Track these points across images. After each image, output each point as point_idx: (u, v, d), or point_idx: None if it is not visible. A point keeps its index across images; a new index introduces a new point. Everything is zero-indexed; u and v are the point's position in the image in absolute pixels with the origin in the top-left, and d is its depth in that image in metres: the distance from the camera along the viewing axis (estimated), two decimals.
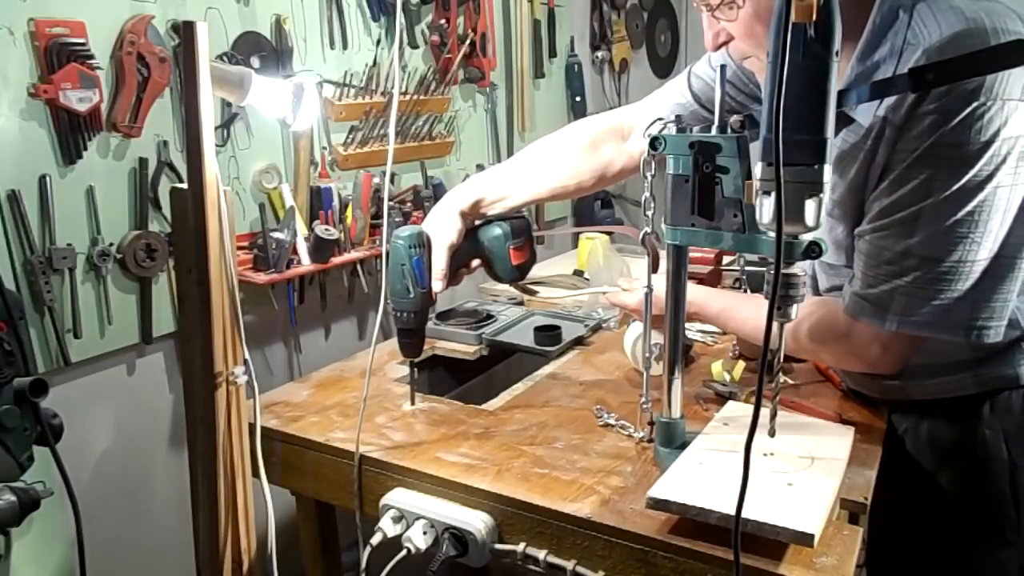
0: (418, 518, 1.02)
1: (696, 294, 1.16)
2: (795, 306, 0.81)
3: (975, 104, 0.82)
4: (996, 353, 1.01)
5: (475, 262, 1.21)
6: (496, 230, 1.20)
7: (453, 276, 1.17)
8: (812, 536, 0.79)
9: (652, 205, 0.99)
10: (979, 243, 0.88)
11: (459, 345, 1.58)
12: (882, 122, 0.89)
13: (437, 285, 1.13)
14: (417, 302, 1.13)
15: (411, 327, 1.15)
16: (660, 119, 0.95)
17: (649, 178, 0.97)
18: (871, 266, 0.94)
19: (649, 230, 0.99)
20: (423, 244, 1.12)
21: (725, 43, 1.00)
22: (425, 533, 1.01)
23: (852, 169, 0.94)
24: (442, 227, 1.16)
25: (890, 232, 0.91)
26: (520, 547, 0.97)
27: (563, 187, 1.26)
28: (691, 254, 1.31)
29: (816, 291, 1.13)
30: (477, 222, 1.22)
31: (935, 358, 1.03)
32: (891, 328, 0.93)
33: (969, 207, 0.86)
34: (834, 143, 0.93)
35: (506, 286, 2.01)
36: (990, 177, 0.85)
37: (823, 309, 1.03)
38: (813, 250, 0.79)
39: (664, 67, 3.28)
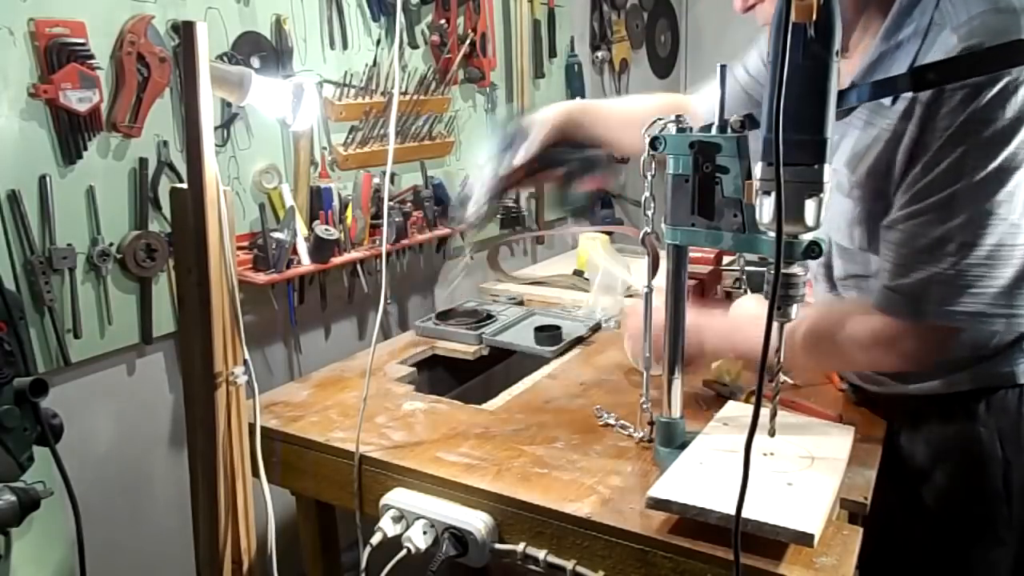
0: (418, 518, 1.02)
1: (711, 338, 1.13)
2: (795, 306, 0.81)
3: (1007, 79, 0.81)
4: (995, 351, 1.01)
5: (551, 175, 1.22)
6: (579, 154, 1.21)
7: (528, 178, 1.20)
8: (812, 536, 0.79)
9: (652, 205, 0.99)
10: (1019, 226, 0.85)
11: (459, 345, 1.59)
12: (911, 101, 0.88)
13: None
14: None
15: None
16: (660, 119, 0.95)
17: (649, 178, 0.97)
18: (903, 255, 0.91)
19: (649, 230, 0.99)
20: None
21: (753, 6, 0.99)
22: (425, 533, 1.01)
23: (876, 150, 0.93)
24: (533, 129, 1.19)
25: (924, 218, 0.89)
26: (520, 547, 0.96)
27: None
28: (691, 254, 1.31)
29: (830, 280, 1.12)
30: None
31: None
32: (928, 320, 0.91)
33: (1008, 187, 0.84)
34: (859, 122, 0.92)
35: (506, 286, 2.01)
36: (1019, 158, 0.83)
37: (823, 315, 1.02)
38: (813, 250, 0.79)
39: (664, 67, 3.28)
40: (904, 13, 0.90)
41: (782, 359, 0.82)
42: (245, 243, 1.55)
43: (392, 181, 1.88)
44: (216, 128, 1.46)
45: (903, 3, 0.90)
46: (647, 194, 0.98)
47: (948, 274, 0.88)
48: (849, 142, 0.97)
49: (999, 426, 1.02)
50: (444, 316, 1.69)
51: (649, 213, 0.99)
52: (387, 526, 1.02)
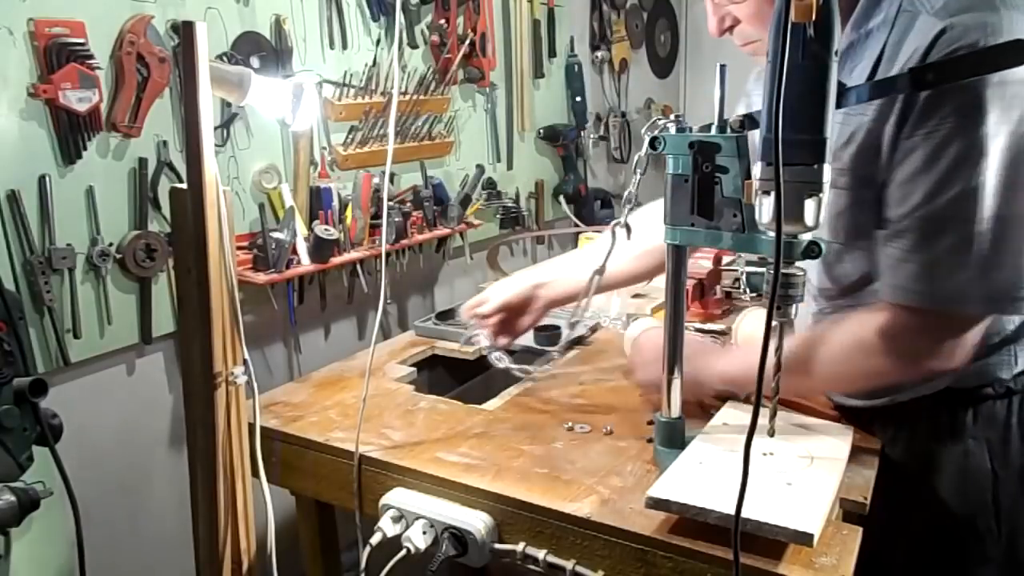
0: (418, 518, 1.02)
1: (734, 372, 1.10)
2: (795, 306, 0.81)
3: (982, 42, 0.81)
4: (983, 353, 0.97)
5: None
6: None
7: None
8: (811, 536, 0.79)
9: (633, 201, 0.98)
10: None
11: (459, 345, 1.58)
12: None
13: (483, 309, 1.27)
14: None
15: None
16: (658, 120, 0.95)
17: (638, 177, 0.97)
18: (917, 241, 0.88)
19: (621, 221, 0.98)
20: None
21: (731, 28, 0.99)
22: (425, 533, 1.01)
23: (862, 133, 0.91)
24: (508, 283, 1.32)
25: (940, 198, 0.86)
26: (520, 547, 0.96)
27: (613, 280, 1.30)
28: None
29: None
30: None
31: None
32: (954, 307, 0.88)
33: (993, 152, 0.83)
34: (838, 115, 0.89)
35: None
36: (1013, 121, 0.82)
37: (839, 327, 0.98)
38: (812, 250, 0.79)
39: (664, 67, 3.28)
40: (872, 3, 0.91)
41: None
42: (245, 243, 1.55)
43: (392, 181, 1.88)
44: (216, 128, 1.46)
45: None
46: (632, 190, 0.98)
47: (964, 256, 0.85)
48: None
49: (988, 438, 1.00)
50: (444, 316, 1.69)
51: (627, 208, 0.98)
52: (387, 526, 1.02)
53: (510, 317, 1.27)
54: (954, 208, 0.86)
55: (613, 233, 0.99)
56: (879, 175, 0.92)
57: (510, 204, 2.28)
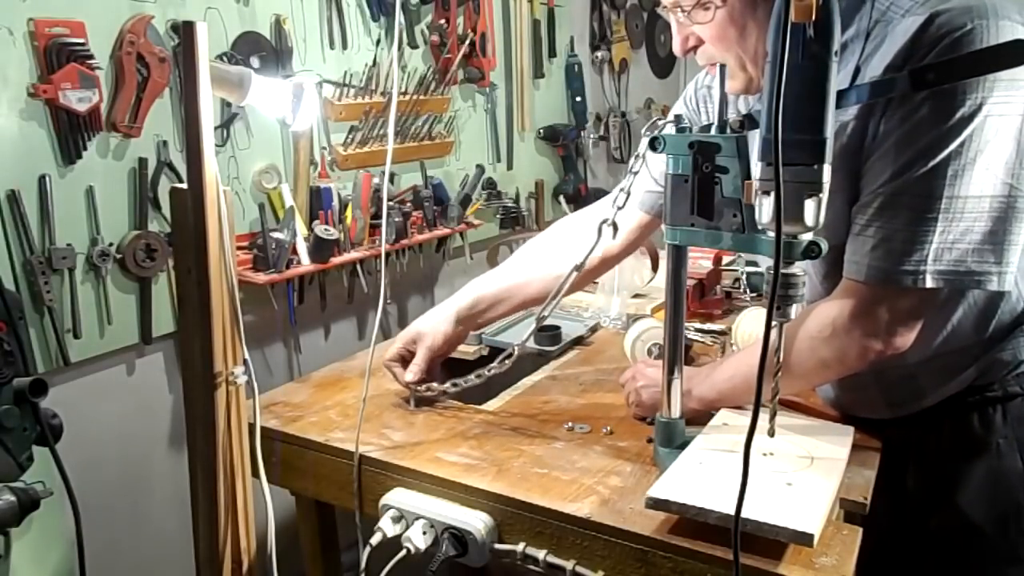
0: (418, 518, 1.02)
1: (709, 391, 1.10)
2: (794, 306, 0.81)
3: (969, 25, 0.81)
4: (999, 339, 0.98)
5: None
6: None
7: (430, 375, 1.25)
8: (812, 536, 0.79)
9: (624, 200, 0.98)
10: (998, 176, 0.84)
11: (459, 345, 1.58)
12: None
13: (408, 376, 1.23)
14: None
15: None
16: (658, 121, 0.95)
17: (632, 177, 0.97)
18: (891, 218, 0.88)
19: (609, 219, 0.98)
20: None
21: (695, 48, 0.99)
22: (425, 533, 1.01)
23: (848, 130, 0.91)
24: (431, 327, 1.26)
25: (908, 175, 0.86)
26: (520, 547, 0.96)
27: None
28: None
29: None
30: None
31: (947, 346, 0.99)
32: (922, 283, 0.87)
33: (965, 133, 0.83)
34: None
35: None
36: (987, 103, 0.82)
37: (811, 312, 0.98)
38: (812, 250, 0.79)
39: (664, 67, 3.28)
40: (845, 16, 0.89)
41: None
42: (245, 243, 1.56)
43: (392, 181, 1.88)
44: (216, 128, 1.46)
45: (842, 7, 0.90)
46: (624, 185, 0.97)
47: (938, 231, 0.85)
48: None
49: (1018, 437, 1.00)
50: None
51: (619, 204, 0.98)
52: (387, 526, 1.02)
53: (438, 355, 1.28)
54: (918, 185, 0.86)
55: (599, 231, 0.99)
56: (863, 165, 0.92)
57: (510, 204, 2.28)
